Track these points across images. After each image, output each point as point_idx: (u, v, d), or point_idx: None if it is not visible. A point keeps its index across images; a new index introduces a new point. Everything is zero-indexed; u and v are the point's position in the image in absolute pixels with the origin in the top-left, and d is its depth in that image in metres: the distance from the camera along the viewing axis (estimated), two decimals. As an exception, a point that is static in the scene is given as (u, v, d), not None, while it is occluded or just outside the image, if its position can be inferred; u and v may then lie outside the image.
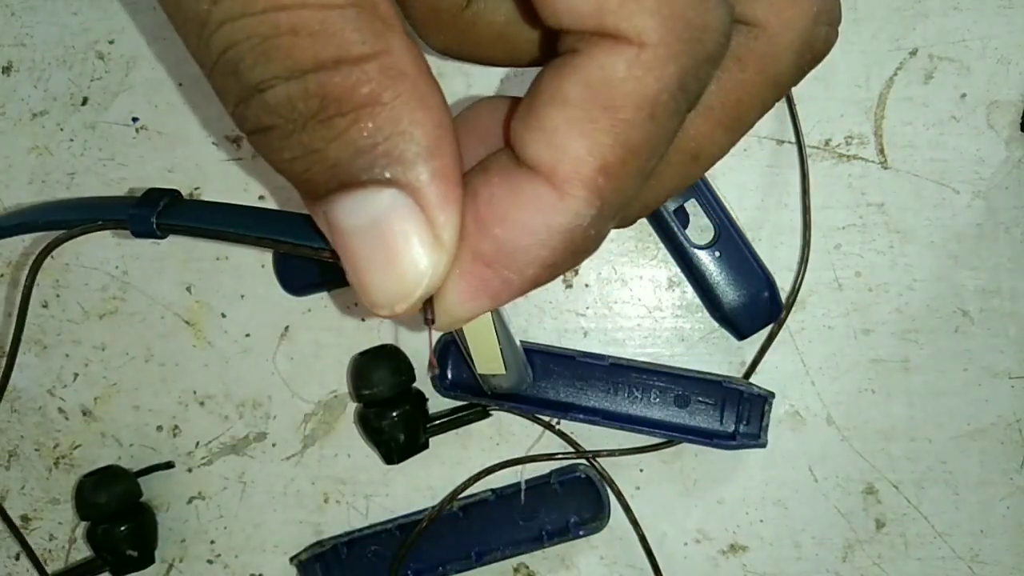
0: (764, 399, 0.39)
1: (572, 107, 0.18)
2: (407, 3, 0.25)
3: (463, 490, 0.40)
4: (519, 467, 0.41)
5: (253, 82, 0.17)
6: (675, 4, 0.17)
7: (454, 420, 0.40)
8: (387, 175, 0.18)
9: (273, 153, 0.18)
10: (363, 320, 0.42)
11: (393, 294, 0.19)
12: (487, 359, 0.32)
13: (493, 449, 0.42)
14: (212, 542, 0.43)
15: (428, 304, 0.20)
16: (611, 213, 0.19)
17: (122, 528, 0.40)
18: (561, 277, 0.41)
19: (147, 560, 0.41)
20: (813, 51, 0.21)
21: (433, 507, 0.41)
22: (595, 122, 0.18)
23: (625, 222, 0.25)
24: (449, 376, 0.40)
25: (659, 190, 0.23)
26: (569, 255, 0.19)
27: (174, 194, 0.31)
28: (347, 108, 0.17)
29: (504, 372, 0.34)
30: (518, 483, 0.40)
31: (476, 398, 0.40)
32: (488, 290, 0.20)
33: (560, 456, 0.41)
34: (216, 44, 0.17)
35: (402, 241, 0.18)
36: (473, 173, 0.20)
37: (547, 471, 0.41)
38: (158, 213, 0.30)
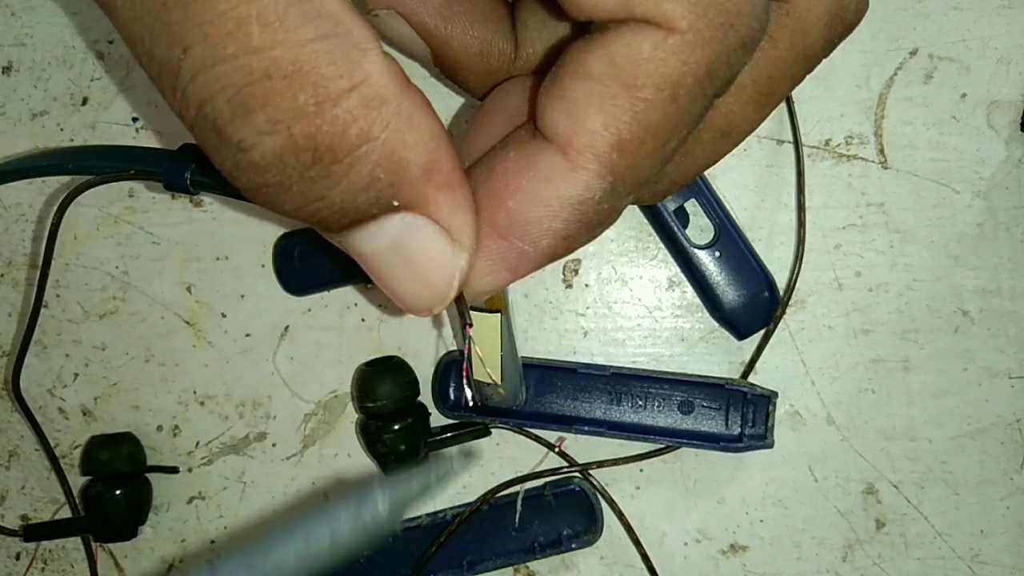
0: (768, 399, 0.39)
1: (594, 81, 0.18)
2: (455, 61, 0.24)
3: (467, 516, 0.40)
4: (514, 477, 0.41)
5: (235, 139, 0.17)
6: None
7: (455, 436, 0.40)
8: (395, 203, 0.18)
9: (274, 206, 0.18)
10: (363, 320, 0.42)
11: (428, 301, 0.20)
12: (486, 366, 0.32)
13: (493, 450, 0.42)
14: (212, 542, 0.43)
15: (460, 299, 0.20)
16: (625, 190, 0.19)
17: (116, 491, 0.40)
18: (561, 277, 0.41)
19: (129, 532, 0.41)
20: (844, 23, 0.21)
21: (435, 520, 0.41)
22: (615, 98, 0.18)
23: (655, 197, 0.25)
24: (451, 395, 0.40)
25: (689, 166, 0.23)
26: (582, 228, 0.19)
27: None
28: (342, 154, 0.17)
29: (500, 383, 0.33)
30: (513, 495, 0.40)
31: (478, 417, 0.40)
32: (505, 262, 0.20)
33: (555, 471, 0.41)
34: (191, 98, 0.17)
35: (425, 256, 0.19)
36: (492, 150, 0.20)
37: (542, 483, 0.41)
38: (192, 169, 0.30)
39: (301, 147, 0.17)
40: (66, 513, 0.43)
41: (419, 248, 0.18)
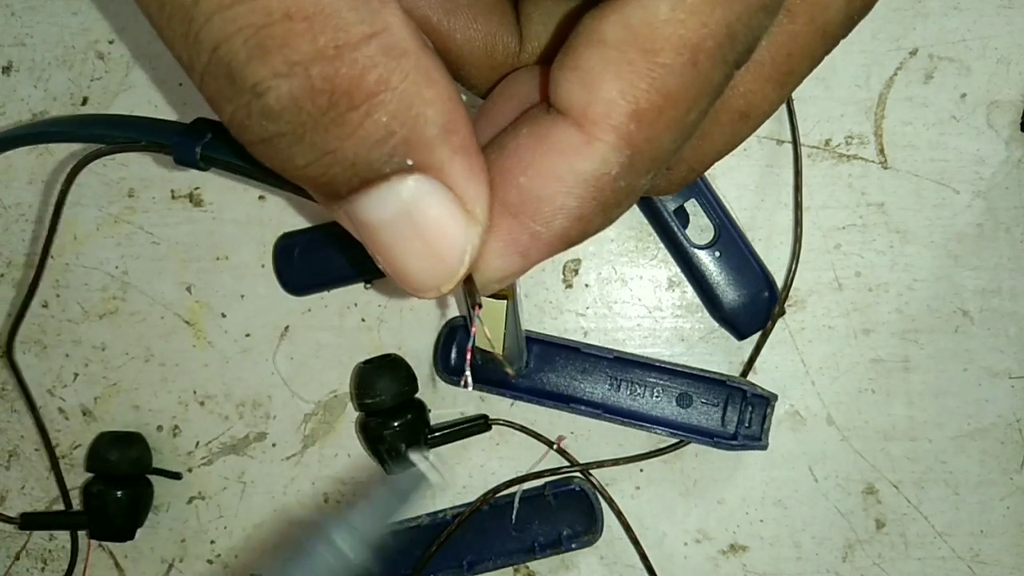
0: (767, 401, 0.39)
1: (609, 48, 0.17)
2: (458, 56, 0.24)
3: (467, 516, 0.40)
4: (513, 477, 0.41)
5: (250, 82, 0.16)
6: None
7: (455, 432, 0.40)
8: (409, 162, 0.17)
9: (284, 162, 0.17)
10: (363, 320, 0.42)
11: (436, 277, 0.19)
12: (490, 338, 0.32)
13: (493, 449, 0.42)
14: (212, 542, 0.43)
15: (469, 280, 0.19)
16: (644, 166, 0.18)
17: (118, 492, 0.40)
18: (561, 277, 0.41)
19: (128, 533, 0.41)
20: None
21: (436, 518, 0.41)
22: (632, 64, 0.17)
23: (671, 186, 0.24)
24: (452, 361, 0.40)
25: (707, 151, 0.22)
26: (598, 207, 0.18)
27: (220, 127, 0.30)
28: (358, 100, 0.16)
29: (501, 354, 0.34)
30: (512, 495, 0.40)
31: (477, 387, 0.40)
32: (517, 245, 0.19)
33: (555, 471, 0.41)
34: (205, 41, 0.16)
35: (436, 225, 0.18)
36: (504, 130, 0.20)
37: (542, 483, 0.41)
38: (203, 144, 0.29)
39: (318, 89, 0.16)
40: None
41: (431, 216, 0.18)
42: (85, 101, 0.43)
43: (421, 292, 0.19)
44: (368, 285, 0.42)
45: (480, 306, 0.20)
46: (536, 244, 0.19)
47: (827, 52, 0.21)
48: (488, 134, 0.21)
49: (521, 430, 0.41)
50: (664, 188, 0.24)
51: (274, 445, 0.43)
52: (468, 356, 0.23)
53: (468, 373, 0.20)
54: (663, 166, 0.19)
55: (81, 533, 0.43)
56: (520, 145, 0.19)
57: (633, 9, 0.17)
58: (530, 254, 0.19)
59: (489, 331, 0.32)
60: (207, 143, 0.29)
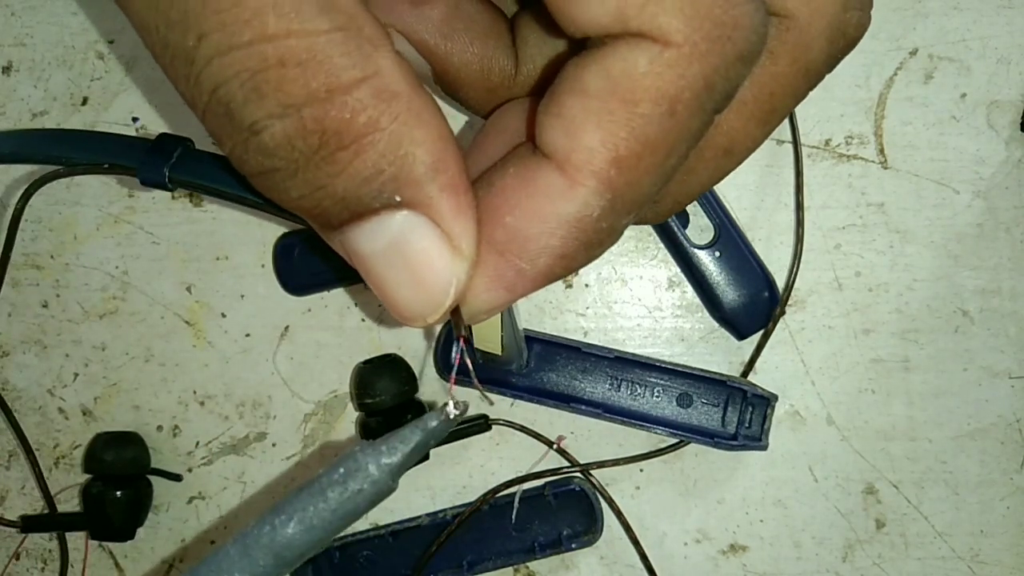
0: (767, 401, 0.39)
1: (591, 97, 0.18)
2: (456, 79, 0.25)
3: (467, 516, 0.40)
4: (513, 477, 0.41)
5: (247, 122, 0.17)
6: (702, 3, 0.17)
7: (455, 432, 0.40)
8: (397, 198, 0.18)
9: (280, 193, 0.18)
10: (363, 320, 0.42)
11: (423, 308, 0.19)
12: (487, 338, 0.32)
13: (493, 450, 0.42)
14: (212, 542, 0.43)
15: (456, 311, 0.20)
16: (625, 208, 0.19)
17: (117, 493, 0.40)
18: (561, 277, 0.41)
19: (127, 533, 0.41)
20: (845, 37, 0.21)
21: (434, 519, 0.41)
22: (612, 114, 0.18)
23: (658, 217, 0.24)
24: (452, 360, 0.40)
25: (692, 185, 0.23)
26: (581, 247, 0.19)
27: (187, 143, 0.29)
28: (348, 140, 0.17)
29: (500, 354, 0.34)
30: (512, 495, 0.40)
31: (478, 385, 0.40)
32: (503, 281, 0.20)
33: (556, 471, 0.41)
34: (205, 83, 0.17)
35: (423, 258, 0.19)
36: (492, 167, 0.20)
37: (542, 483, 0.41)
38: (171, 164, 0.28)
39: (310, 129, 0.17)
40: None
41: (418, 249, 0.18)
42: (85, 101, 0.43)
43: (409, 321, 0.20)
44: (367, 286, 0.42)
45: (465, 339, 0.21)
46: (521, 280, 0.20)
47: (810, 89, 0.22)
48: (481, 166, 0.21)
49: (521, 430, 0.41)
50: (651, 219, 0.25)
51: (274, 445, 0.43)
52: (451, 385, 0.23)
53: (451, 404, 0.21)
54: (644, 207, 0.20)
55: (81, 534, 0.43)
56: (507, 185, 0.19)
57: (613, 61, 0.17)
58: (516, 289, 0.20)
59: (486, 330, 0.32)
60: (175, 163, 0.28)
